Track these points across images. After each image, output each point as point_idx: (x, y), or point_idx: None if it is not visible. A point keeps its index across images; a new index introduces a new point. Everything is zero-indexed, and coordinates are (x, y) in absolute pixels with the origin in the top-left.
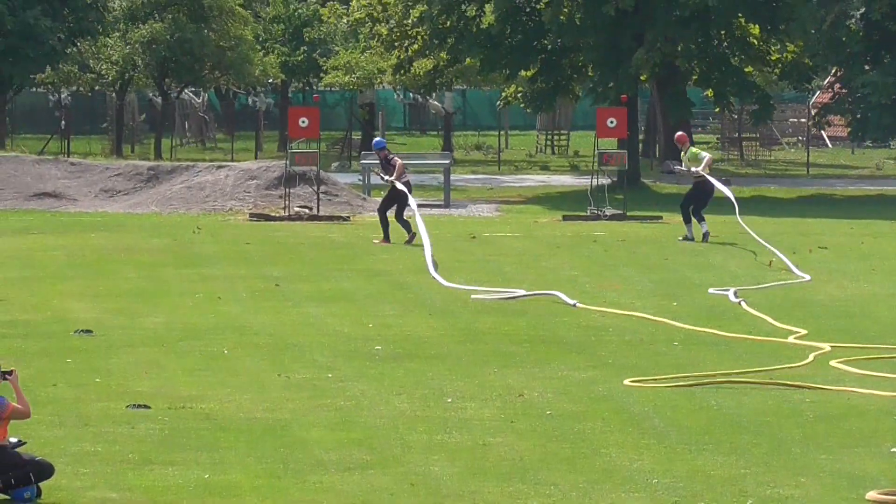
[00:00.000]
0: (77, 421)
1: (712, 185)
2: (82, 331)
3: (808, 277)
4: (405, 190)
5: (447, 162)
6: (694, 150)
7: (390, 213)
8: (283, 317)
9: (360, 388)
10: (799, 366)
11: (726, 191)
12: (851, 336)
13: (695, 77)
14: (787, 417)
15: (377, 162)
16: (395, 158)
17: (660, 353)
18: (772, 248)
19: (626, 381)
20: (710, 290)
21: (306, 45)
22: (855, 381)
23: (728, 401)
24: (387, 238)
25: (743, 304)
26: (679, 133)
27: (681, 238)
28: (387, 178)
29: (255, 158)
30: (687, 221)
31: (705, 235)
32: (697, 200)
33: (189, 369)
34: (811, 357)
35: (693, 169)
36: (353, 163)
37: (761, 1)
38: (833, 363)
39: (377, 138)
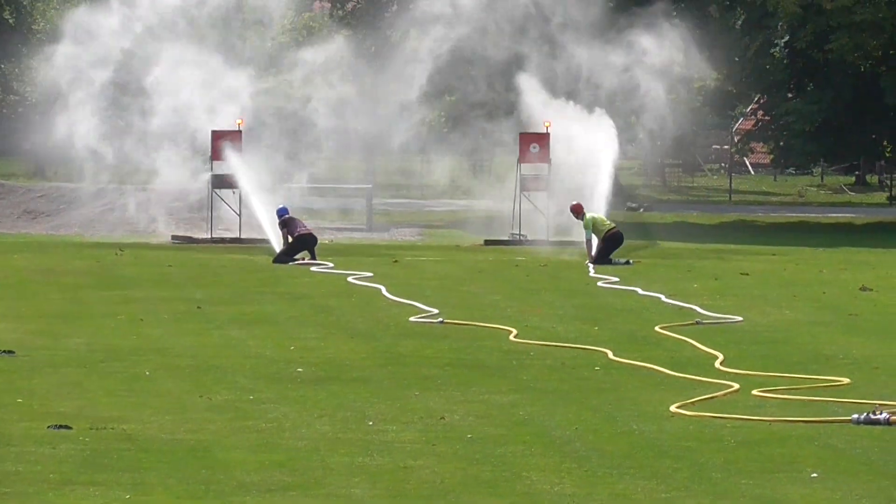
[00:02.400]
0: None
1: (620, 235)
2: (4, 351)
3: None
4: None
5: (369, 186)
6: (588, 217)
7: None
8: (204, 339)
9: (282, 411)
10: (723, 394)
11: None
12: (773, 362)
13: (617, 103)
14: (708, 443)
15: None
16: (287, 231)
17: (582, 378)
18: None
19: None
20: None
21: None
22: (776, 409)
23: (649, 426)
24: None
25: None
26: (574, 203)
27: (624, 262)
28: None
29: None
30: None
31: (626, 263)
32: (609, 250)
33: (111, 390)
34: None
35: (590, 256)
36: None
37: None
38: (755, 392)
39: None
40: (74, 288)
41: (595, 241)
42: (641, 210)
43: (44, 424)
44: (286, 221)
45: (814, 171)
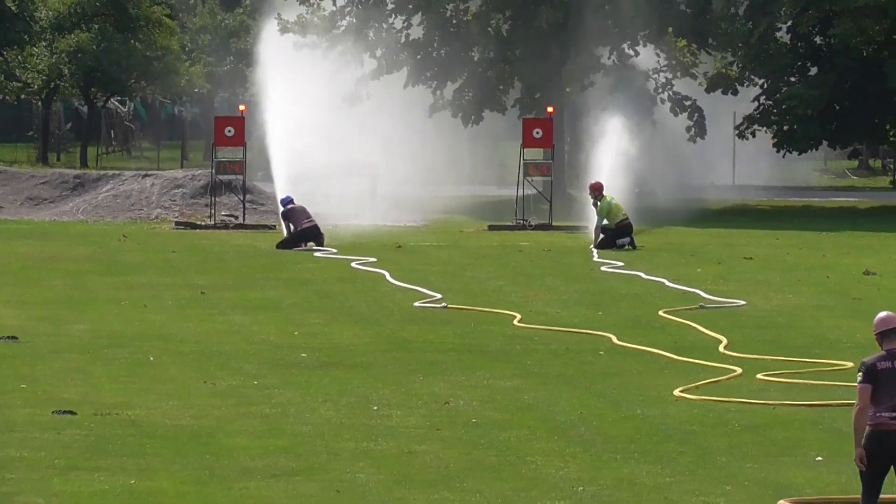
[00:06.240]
0: (3, 427)
1: (630, 227)
2: (8, 337)
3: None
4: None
5: (374, 171)
6: (606, 202)
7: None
8: (208, 325)
9: (286, 396)
10: (727, 378)
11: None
12: (777, 347)
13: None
14: (712, 427)
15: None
16: (288, 222)
17: (586, 363)
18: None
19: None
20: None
21: (233, 56)
22: (780, 393)
23: (654, 410)
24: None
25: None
26: (595, 181)
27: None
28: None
29: (181, 167)
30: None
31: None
32: (617, 238)
33: (115, 376)
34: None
35: (594, 241)
36: None
37: (690, 14)
38: (759, 376)
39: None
40: (78, 274)
41: (603, 228)
42: (637, 191)
43: (48, 410)
44: (288, 213)
45: (817, 156)
